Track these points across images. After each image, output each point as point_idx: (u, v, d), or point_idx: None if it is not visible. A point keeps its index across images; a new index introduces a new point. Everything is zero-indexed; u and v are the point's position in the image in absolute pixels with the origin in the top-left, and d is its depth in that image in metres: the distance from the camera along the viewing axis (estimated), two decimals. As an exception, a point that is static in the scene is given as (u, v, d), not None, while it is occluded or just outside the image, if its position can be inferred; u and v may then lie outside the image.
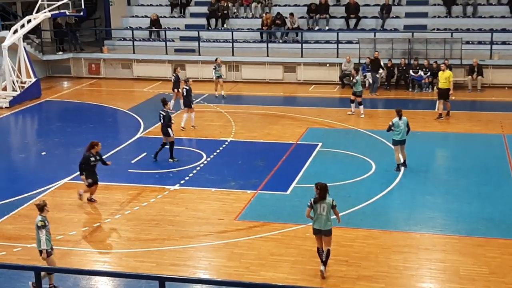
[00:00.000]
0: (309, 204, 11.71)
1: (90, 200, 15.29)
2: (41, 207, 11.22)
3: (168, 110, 18.08)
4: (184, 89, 20.96)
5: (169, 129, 17.74)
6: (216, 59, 25.21)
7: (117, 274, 10.67)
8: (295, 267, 12.08)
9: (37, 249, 11.15)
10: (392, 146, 17.12)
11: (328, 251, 11.72)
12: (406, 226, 13.80)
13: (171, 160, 17.79)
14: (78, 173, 15.31)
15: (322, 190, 11.68)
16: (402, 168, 16.88)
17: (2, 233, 13.66)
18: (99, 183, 15.26)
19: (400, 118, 16.73)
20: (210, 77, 26.89)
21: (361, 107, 22.11)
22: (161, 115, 17.85)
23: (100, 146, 15.24)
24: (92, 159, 14.98)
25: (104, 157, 16.38)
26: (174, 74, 23.47)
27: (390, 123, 16.81)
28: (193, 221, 14.21)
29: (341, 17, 29.47)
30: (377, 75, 25.55)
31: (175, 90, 23.06)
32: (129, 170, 17.41)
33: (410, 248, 12.77)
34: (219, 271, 12.08)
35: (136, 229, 13.86)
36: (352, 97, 22.19)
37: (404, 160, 17.07)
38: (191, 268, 12.28)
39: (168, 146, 17.90)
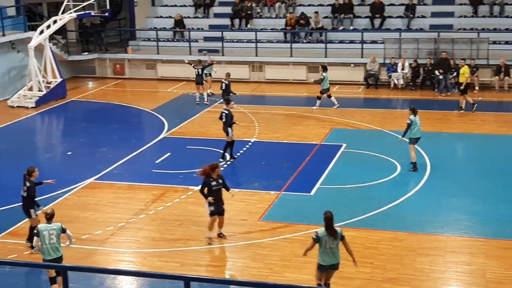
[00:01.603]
0: (314, 237, 10.37)
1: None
2: (51, 216, 10.95)
3: (231, 109, 18.00)
4: (224, 84, 21.60)
5: (229, 128, 17.68)
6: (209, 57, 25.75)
7: (142, 273, 10.72)
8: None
9: (64, 248, 11.15)
10: (409, 145, 16.92)
11: (329, 286, 10.71)
12: (432, 228, 13.66)
13: (222, 160, 17.69)
14: (102, 174, 15.37)
15: (328, 220, 10.34)
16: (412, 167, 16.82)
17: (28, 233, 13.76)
18: (124, 182, 15.30)
19: (415, 115, 16.75)
20: (235, 77, 26.97)
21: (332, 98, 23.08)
22: (224, 114, 17.70)
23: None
24: (214, 183, 13.01)
25: (128, 157, 16.57)
26: (198, 69, 24.11)
27: (409, 121, 16.72)
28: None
29: (366, 17, 29.29)
30: (444, 76, 25.04)
31: (200, 85, 23.85)
32: (153, 170, 17.48)
33: (436, 251, 12.64)
34: (243, 272, 12.07)
35: (160, 229, 13.91)
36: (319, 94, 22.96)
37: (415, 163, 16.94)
38: (215, 268, 12.30)
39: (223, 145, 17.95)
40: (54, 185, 14.44)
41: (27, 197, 12.91)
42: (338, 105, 23.18)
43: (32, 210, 12.92)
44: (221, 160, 17.67)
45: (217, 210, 13.00)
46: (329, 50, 27.70)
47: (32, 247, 11.81)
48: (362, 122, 21.49)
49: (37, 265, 10.78)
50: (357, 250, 11.87)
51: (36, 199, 13.05)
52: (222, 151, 17.90)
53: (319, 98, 23.11)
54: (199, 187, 13.14)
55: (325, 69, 23.22)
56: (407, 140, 16.82)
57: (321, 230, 10.36)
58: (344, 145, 19.05)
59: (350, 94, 25.83)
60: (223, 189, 13.15)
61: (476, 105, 22.19)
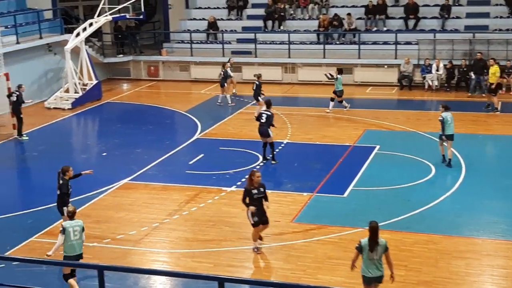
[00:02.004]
0: (357, 245, 10.09)
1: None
2: (73, 213, 11.30)
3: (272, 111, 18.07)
4: (255, 84, 21.86)
5: (269, 129, 17.73)
6: (229, 59, 25.82)
7: (176, 274, 10.79)
8: (353, 270, 11.93)
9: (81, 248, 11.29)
10: (438, 141, 17.08)
11: None
12: (467, 231, 13.50)
13: (274, 162, 17.73)
14: (136, 174, 15.52)
15: (373, 230, 10.08)
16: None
17: (65, 232, 13.98)
18: (158, 183, 15.44)
19: (447, 112, 16.85)
20: (267, 79, 27.02)
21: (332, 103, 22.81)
22: (265, 115, 17.68)
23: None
24: (255, 191, 12.68)
25: (162, 158, 16.67)
26: (223, 71, 24.29)
27: (440, 118, 16.75)
28: (250, 223, 14.22)
29: (400, 18, 29.04)
30: (478, 77, 24.79)
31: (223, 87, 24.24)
32: (187, 171, 17.61)
33: (471, 254, 12.48)
34: (276, 273, 12.09)
35: (194, 230, 14.01)
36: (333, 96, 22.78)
37: (450, 159, 16.90)
38: (248, 269, 12.34)
39: (262, 147, 18.00)
40: (90, 184, 14.61)
41: (60, 195, 13.24)
42: (349, 105, 23.13)
43: (65, 208, 13.15)
44: (273, 162, 17.76)
45: (260, 219, 12.68)
46: (363, 51, 27.55)
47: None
48: (396, 124, 21.32)
49: (73, 264, 10.94)
50: (392, 252, 11.71)
51: (69, 198, 13.29)
52: (270, 155, 17.90)
53: (332, 99, 22.87)
54: (232, 188, 13.20)
55: (340, 71, 23.20)
56: (443, 138, 16.93)
57: (364, 239, 10.11)
58: (378, 146, 18.93)
59: (383, 95, 25.65)
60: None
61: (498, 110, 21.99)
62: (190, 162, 18.34)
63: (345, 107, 23.04)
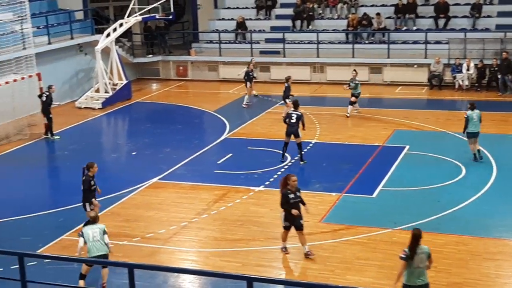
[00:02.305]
0: (404, 255, 9.69)
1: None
2: (94, 219, 11.55)
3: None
4: (285, 86, 21.82)
5: (299, 130, 17.77)
6: (251, 60, 25.81)
7: (205, 273, 10.85)
8: (382, 271, 11.90)
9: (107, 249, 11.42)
10: (466, 139, 17.10)
11: None
12: (498, 232, 13.33)
13: (302, 163, 17.77)
14: (165, 174, 15.62)
15: (415, 237, 9.77)
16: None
17: (95, 230, 14.15)
18: (187, 182, 15.51)
19: (473, 110, 16.84)
20: (296, 79, 27.07)
21: (350, 107, 22.34)
22: (295, 115, 17.67)
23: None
24: (291, 196, 12.47)
25: (190, 158, 16.77)
26: (248, 70, 24.41)
27: (466, 116, 16.85)
28: (278, 223, 14.17)
29: (430, 17, 28.78)
30: (503, 76, 24.53)
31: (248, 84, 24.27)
32: (215, 171, 17.68)
33: (502, 255, 12.33)
34: (305, 274, 12.08)
35: (222, 229, 14.07)
36: (353, 99, 22.28)
37: (479, 150, 17.04)
38: (276, 269, 12.35)
39: (284, 146, 18.03)
40: (120, 183, 14.69)
41: (83, 190, 13.58)
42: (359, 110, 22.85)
43: (86, 204, 13.43)
44: (301, 163, 17.78)
45: (293, 224, 12.40)
46: (392, 50, 27.36)
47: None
48: (426, 124, 21.13)
49: (103, 262, 11.08)
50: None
51: (94, 194, 13.60)
52: (298, 155, 17.90)
53: (351, 103, 22.38)
54: (261, 188, 13.19)
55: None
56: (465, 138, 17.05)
57: (407, 247, 9.77)
58: (407, 146, 18.78)
59: (413, 95, 25.44)
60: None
61: None
62: (219, 162, 18.41)
63: (357, 110, 22.73)
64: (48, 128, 21.26)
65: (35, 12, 26.06)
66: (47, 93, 21.07)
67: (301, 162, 17.83)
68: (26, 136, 21.46)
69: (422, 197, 15.30)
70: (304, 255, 12.57)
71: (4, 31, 22.90)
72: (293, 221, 12.41)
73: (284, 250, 12.82)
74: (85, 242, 11.22)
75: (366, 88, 26.84)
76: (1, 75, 21.41)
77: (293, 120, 17.61)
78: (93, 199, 13.63)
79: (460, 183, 15.96)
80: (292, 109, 18.14)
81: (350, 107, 22.31)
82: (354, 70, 23.31)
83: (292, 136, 17.73)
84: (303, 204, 12.57)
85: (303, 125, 17.76)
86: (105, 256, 11.29)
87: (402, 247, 11.39)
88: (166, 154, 19.32)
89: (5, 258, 8.70)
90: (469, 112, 16.89)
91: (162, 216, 14.92)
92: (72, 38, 26.70)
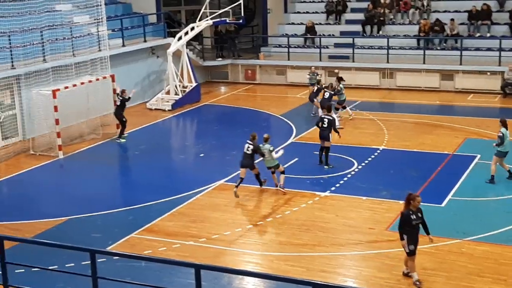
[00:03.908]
0: None
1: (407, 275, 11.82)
2: (266, 139, 15.73)
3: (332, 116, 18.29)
4: (327, 93, 21.72)
5: (330, 134, 17.85)
6: (311, 68, 26.06)
7: (270, 276, 10.87)
8: (449, 283, 11.65)
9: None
10: (494, 157, 16.30)
11: None
12: None
13: (327, 167, 17.85)
14: (231, 176, 15.75)
15: None
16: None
17: (163, 230, 14.46)
18: (253, 186, 15.60)
19: (507, 129, 16.12)
20: (365, 84, 26.89)
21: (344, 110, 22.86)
22: (326, 120, 17.86)
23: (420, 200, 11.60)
24: (413, 217, 11.43)
25: (257, 161, 16.83)
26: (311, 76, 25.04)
27: (500, 134, 16.10)
28: (343, 229, 14.18)
29: (505, 24, 27.98)
30: None
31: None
32: (281, 175, 17.68)
33: None
34: (369, 281, 11.95)
35: (287, 233, 14.09)
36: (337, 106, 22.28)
37: (509, 170, 16.33)
38: (341, 276, 12.27)
39: (320, 151, 18.13)
40: (188, 184, 14.77)
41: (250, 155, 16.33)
42: (353, 114, 23.10)
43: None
44: (326, 167, 17.81)
45: (417, 247, 11.45)
46: (464, 57, 26.75)
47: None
48: (498, 133, 20.49)
49: (170, 261, 11.23)
50: (491, 266, 11.42)
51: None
52: (325, 159, 17.95)
53: (337, 109, 22.25)
54: (326, 193, 13.05)
55: (340, 79, 22.96)
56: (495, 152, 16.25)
57: None
58: (479, 156, 18.32)
59: (485, 103, 24.78)
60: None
61: None
62: (285, 166, 18.41)
63: (350, 115, 23.03)
64: (121, 129, 21.77)
65: (111, 15, 26.85)
66: (121, 98, 21.58)
67: (326, 167, 17.75)
68: (99, 136, 22.10)
69: (493, 208, 14.89)
70: (403, 273, 11.89)
71: (81, 33, 23.70)
72: (417, 244, 11.42)
73: (418, 284, 11.49)
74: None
75: (436, 95, 26.43)
76: (77, 76, 22.12)
77: (325, 125, 17.74)
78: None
79: (534, 195, 15.45)
80: (326, 112, 18.12)
81: (344, 110, 22.85)
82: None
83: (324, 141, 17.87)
84: (425, 225, 11.59)
85: (336, 131, 17.86)
86: (277, 166, 16.07)
87: (471, 259, 11.17)
88: (233, 157, 19.44)
89: (76, 253, 9.01)
90: (503, 130, 16.06)
91: (227, 218, 15.07)
92: (145, 41, 27.32)
